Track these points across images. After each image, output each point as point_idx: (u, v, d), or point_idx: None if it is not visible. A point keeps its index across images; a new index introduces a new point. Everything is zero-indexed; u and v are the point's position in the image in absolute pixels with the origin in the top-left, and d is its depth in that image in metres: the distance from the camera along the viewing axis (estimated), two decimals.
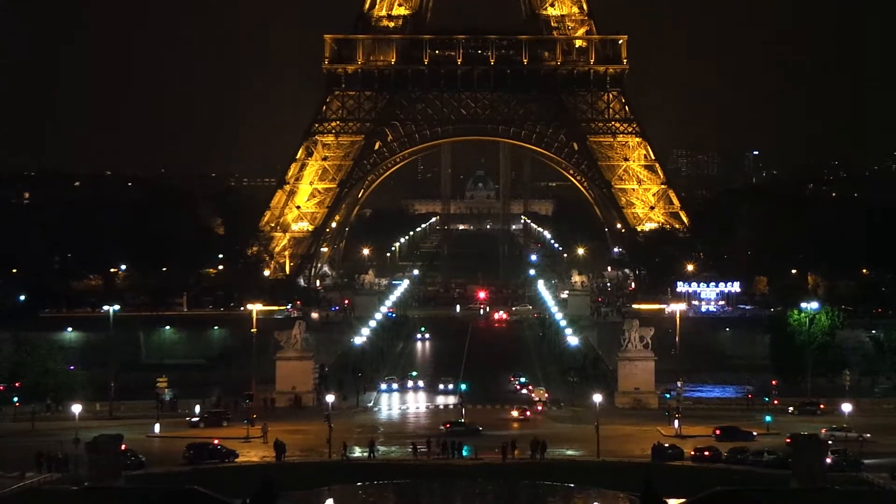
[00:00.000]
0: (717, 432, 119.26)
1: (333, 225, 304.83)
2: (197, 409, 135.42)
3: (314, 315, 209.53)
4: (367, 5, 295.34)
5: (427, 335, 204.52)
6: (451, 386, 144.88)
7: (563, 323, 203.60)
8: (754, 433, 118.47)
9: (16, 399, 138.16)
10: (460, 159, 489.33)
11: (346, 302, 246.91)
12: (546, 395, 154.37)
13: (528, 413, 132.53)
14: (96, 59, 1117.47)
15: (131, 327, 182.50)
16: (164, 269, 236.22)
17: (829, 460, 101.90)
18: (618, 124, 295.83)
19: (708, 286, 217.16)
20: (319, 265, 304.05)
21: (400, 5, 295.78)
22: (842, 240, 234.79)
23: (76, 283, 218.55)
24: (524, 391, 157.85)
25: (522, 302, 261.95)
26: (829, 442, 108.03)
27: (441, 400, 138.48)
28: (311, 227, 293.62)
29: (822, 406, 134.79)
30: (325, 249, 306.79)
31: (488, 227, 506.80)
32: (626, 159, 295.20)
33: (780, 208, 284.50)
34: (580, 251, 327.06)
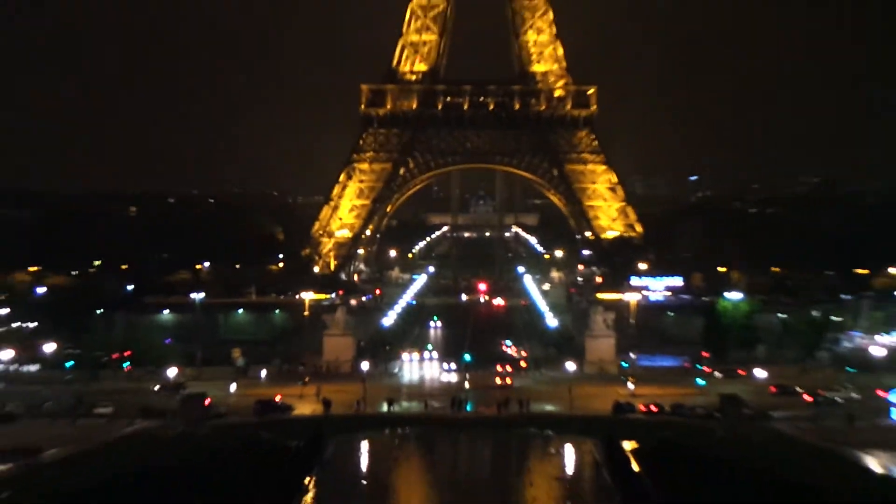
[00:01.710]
0: (773, 390, 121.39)
1: (368, 232, 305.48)
2: (263, 373, 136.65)
3: (353, 302, 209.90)
4: (394, 62, 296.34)
5: (439, 323, 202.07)
6: (453, 365, 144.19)
7: (544, 309, 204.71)
8: (798, 389, 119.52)
9: (126, 364, 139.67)
10: (466, 182, 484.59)
11: (378, 292, 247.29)
12: (524, 353, 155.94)
13: (507, 380, 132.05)
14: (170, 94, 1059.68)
15: (213, 311, 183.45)
16: (238, 266, 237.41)
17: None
18: (588, 155, 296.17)
19: (656, 280, 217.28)
20: (357, 263, 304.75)
21: (420, 62, 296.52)
22: (760, 245, 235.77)
23: (171, 277, 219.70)
24: (510, 351, 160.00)
25: (513, 294, 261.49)
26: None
27: (446, 377, 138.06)
28: (350, 234, 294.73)
29: (742, 372, 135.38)
30: (361, 251, 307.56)
31: (487, 234, 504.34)
32: (594, 183, 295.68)
33: (711, 221, 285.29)
34: (558, 253, 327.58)
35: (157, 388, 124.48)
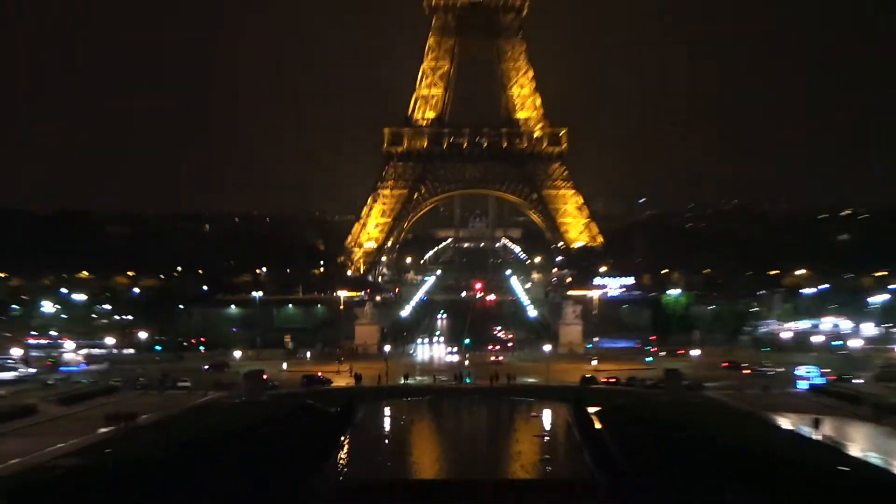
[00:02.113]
0: (726, 364, 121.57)
1: (389, 243, 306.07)
2: (308, 354, 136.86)
3: (378, 298, 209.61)
4: (409, 111, 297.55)
5: (445, 316, 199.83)
6: (455, 348, 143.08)
7: (527, 303, 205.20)
8: (744, 365, 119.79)
9: (202, 348, 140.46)
10: (465, 204, 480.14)
11: (397, 290, 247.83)
12: (511, 337, 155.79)
13: (500, 358, 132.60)
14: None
15: (269, 306, 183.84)
16: (288, 270, 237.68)
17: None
18: (560, 183, 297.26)
19: (613, 280, 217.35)
20: (381, 268, 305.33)
21: (429, 111, 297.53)
22: (694, 252, 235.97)
23: (236, 279, 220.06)
24: (500, 334, 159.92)
25: (502, 291, 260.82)
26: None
27: (450, 357, 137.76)
28: (376, 245, 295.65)
29: (681, 351, 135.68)
30: (384, 258, 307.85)
31: (482, 245, 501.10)
32: (565, 204, 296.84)
33: (656, 233, 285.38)
34: (537, 259, 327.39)
35: (206, 367, 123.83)
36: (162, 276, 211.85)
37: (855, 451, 65.89)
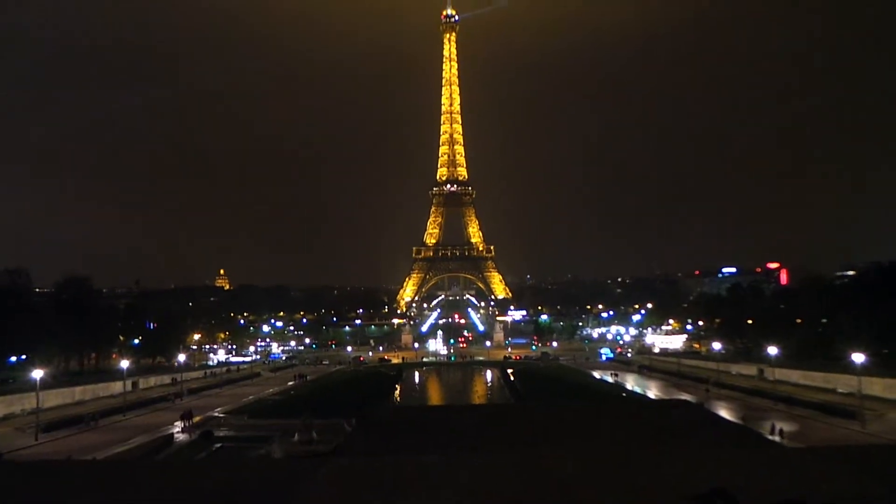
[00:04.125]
0: (619, 350, 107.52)
1: (416, 298, 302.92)
2: (381, 348, 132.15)
3: (411, 322, 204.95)
4: (423, 238, 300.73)
5: (441, 331, 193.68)
6: (445, 345, 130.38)
7: (478, 323, 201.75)
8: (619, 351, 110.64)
9: (333, 347, 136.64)
10: (450, 280, 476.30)
11: (420, 319, 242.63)
12: (470, 337, 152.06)
13: (465, 346, 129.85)
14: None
15: (363, 327, 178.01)
16: (371, 310, 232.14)
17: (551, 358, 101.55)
18: (491, 270, 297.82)
19: (517, 312, 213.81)
20: (413, 308, 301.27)
21: (433, 240, 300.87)
22: (551, 299, 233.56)
23: (348, 314, 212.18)
24: (466, 336, 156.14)
25: (467, 319, 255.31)
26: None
27: (444, 349, 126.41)
28: (410, 299, 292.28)
29: (548, 343, 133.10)
30: (414, 304, 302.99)
31: (457, 298, 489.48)
32: (494, 279, 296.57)
33: (536, 291, 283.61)
34: (482, 303, 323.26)
35: (306, 361, 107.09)
36: (314, 314, 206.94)
37: (628, 386, 65.08)
